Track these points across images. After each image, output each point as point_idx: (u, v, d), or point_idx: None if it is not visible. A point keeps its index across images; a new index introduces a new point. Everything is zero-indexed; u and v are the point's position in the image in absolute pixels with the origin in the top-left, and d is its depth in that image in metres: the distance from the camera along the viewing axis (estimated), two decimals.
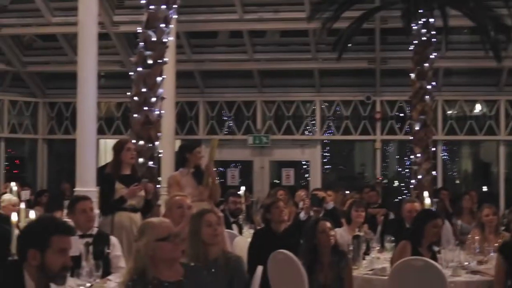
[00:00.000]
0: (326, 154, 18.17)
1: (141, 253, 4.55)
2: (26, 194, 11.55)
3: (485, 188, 17.07)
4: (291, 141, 17.02)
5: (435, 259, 6.81)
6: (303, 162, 17.43)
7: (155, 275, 4.49)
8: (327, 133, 17.05)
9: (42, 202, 12.85)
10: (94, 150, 9.81)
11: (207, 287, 4.67)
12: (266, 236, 7.85)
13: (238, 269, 5.54)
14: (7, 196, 9.62)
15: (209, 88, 17.25)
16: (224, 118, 17.35)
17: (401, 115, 16.59)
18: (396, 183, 17.91)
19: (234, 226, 9.70)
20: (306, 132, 17.02)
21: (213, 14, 15.54)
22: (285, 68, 16.71)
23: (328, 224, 6.81)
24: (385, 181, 17.76)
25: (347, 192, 13.97)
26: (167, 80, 13.51)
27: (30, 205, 12.38)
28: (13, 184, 11.45)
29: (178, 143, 17.89)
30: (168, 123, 13.66)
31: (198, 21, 15.61)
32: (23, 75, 17.57)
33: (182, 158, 8.31)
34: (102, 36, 15.59)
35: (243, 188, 11.15)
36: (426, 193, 8.64)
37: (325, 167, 18.03)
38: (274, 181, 17.06)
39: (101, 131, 17.28)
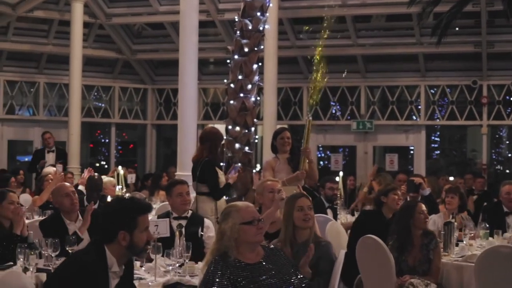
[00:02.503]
0: (436, 139, 17.95)
1: (226, 235, 4.72)
2: (132, 177, 12.11)
3: None
4: (395, 126, 16.90)
5: None
6: (411, 148, 17.24)
7: (237, 257, 4.66)
8: (433, 119, 16.80)
9: (148, 185, 13.33)
10: (195, 135, 10.08)
11: (286, 268, 4.80)
12: (375, 217, 7.90)
13: (326, 252, 5.70)
14: (106, 179, 10.04)
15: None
16: (331, 103, 17.35)
17: (511, 99, 16.18)
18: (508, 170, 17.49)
19: (329, 211, 9.77)
20: (415, 117, 16.80)
21: (316, 0, 15.57)
22: (389, 52, 16.59)
23: (424, 207, 6.98)
24: (498, 167, 17.39)
25: (451, 178, 13.81)
26: (269, 67, 13.81)
27: (137, 188, 12.94)
28: (119, 168, 12.01)
29: None
30: (270, 108, 13.88)
31: (301, 7, 15.71)
32: (133, 63, 18.17)
33: (272, 145, 8.47)
34: (208, 24, 16.04)
35: (341, 174, 11.20)
36: None
37: (436, 152, 17.82)
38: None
39: (207, 117, 17.71)
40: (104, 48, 17.83)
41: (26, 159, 17.59)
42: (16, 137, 17.80)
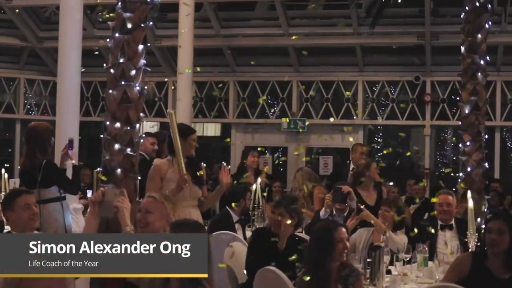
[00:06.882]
0: (379, 140, 16.55)
1: None
2: (15, 182, 10.75)
3: None
4: (330, 126, 15.26)
5: None
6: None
7: None
8: (372, 118, 15.27)
9: None
10: (77, 133, 8.63)
11: None
12: (264, 236, 6.38)
13: None
14: None
15: (241, 67, 15.68)
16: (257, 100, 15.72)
17: (457, 98, 14.76)
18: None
19: (238, 225, 8.13)
20: (351, 116, 15.29)
21: None
22: (324, 44, 14.99)
23: (345, 232, 5.43)
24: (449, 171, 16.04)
25: (391, 184, 12.33)
26: (184, 55, 12.21)
27: None
28: (3, 171, 10.83)
29: (210, 128, 16.75)
30: (183, 104, 12.28)
31: None
32: (40, 52, 16.29)
33: (172, 144, 6.86)
34: None
35: (259, 180, 9.57)
36: (469, 193, 6.97)
37: (383, 153, 16.44)
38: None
39: None
40: (7, 34, 15.87)
41: None
42: None
